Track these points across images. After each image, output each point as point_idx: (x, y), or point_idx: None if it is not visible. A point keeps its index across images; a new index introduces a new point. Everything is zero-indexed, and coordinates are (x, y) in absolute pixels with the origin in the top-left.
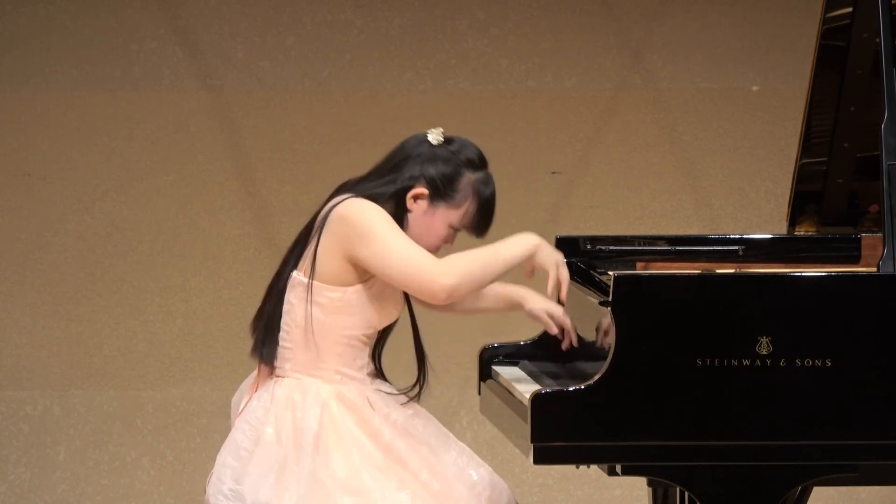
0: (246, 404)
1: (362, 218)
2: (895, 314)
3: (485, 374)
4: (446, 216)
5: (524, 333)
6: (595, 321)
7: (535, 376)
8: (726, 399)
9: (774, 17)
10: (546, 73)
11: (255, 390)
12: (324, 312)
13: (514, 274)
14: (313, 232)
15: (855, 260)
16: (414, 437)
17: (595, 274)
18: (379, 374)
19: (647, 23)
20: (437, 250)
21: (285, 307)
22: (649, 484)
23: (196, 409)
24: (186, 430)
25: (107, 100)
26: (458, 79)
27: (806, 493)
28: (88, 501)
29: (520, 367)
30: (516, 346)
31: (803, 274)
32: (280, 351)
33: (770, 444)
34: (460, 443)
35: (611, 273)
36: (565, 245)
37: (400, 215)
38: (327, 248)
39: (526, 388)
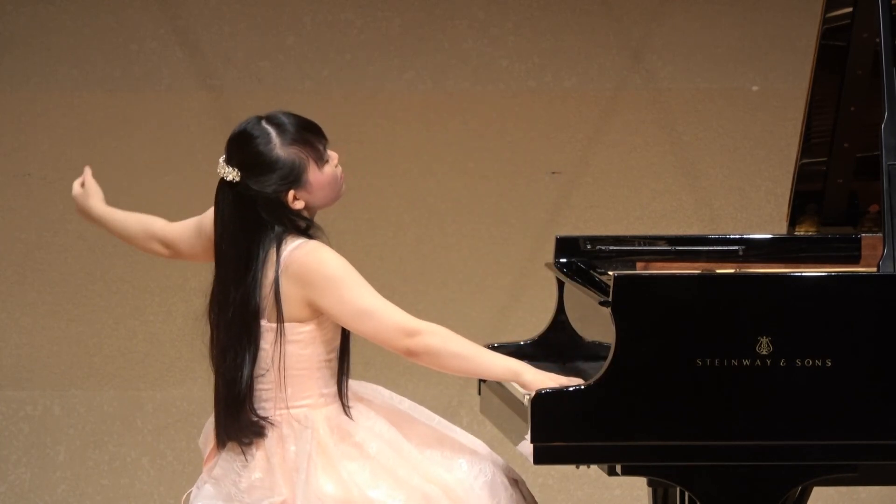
0: (218, 451)
1: (333, 274)
2: (895, 314)
3: None
4: (314, 172)
5: (524, 333)
6: (596, 321)
7: None
8: (726, 399)
9: (774, 17)
10: (546, 73)
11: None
12: (300, 347)
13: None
14: (260, 289)
15: (855, 260)
16: (402, 448)
17: (595, 274)
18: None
19: (646, 23)
20: (342, 177)
21: (265, 357)
22: (649, 484)
23: (196, 409)
24: (186, 430)
25: (107, 100)
26: (458, 79)
27: (806, 493)
28: (88, 501)
29: None
30: (516, 345)
31: (803, 274)
32: (258, 394)
33: (770, 444)
34: (449, 432)
35: (611, 273)
36: (565, 245)
37: (301, 221)
38: (290, 295)
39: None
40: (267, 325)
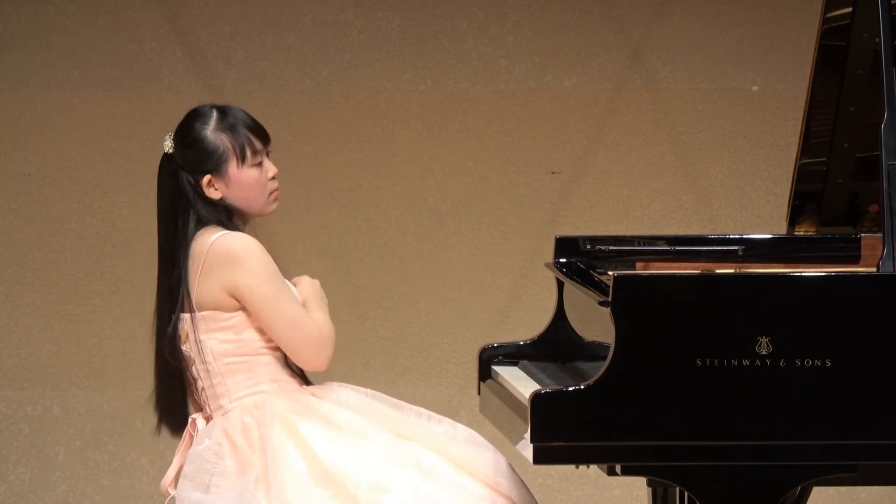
0: (189, 448)
1: (252, 269)
2: (895, 314)
3: (484, 373)
4: (234, 167)
5: (524, 333)
6: (595, 321)
7: (534, 376)
8: (726, 399)
9: (774, 16)
10: (546, 72)
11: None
12: (235, 332)
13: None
14: (178, 273)
15: (854, 260)
16: (371, 410)
17: (595, 274)
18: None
19: (646, 23)
20: (275, 192)
21: (194, 348)
22: (649, 484)
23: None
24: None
25: (107, 100)
26: (458, 79)
27: (805, 494)
28: (88, 501)
29: (519, 367)
30: (516, 345)
31: (803, 274)
32: (211, 391)
33: (770, 444)
34: (416, 407)
35: (611, 273)
36: (565, 245)
37: (221, 208)
38: (211, 285)
39: (525, 388)
40: (198, 317)
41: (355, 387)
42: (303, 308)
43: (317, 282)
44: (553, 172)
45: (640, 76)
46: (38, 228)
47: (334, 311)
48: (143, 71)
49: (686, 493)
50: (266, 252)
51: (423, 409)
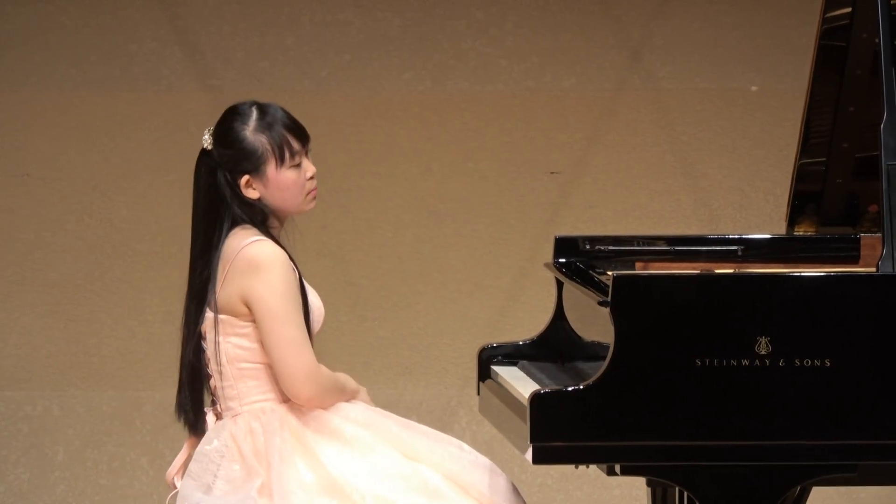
0: (193, 453)
1: (269, 282)
2: (894, 314)
3: (484, 374)
4: (272, 169)
5: (523, 333)
6: (595, 321)
7: (534, 376)
8: (725, 399)
9: (774, 17)
10: (545, 73)
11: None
12: (250, 339)
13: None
14: (209, 272)
15: (854, 260)
16: (378, 427)
17: (594, 274)
18: None
19: (646, 23)
20: (313, 191)
21: (211, 348)
22: (648, 484)
23: None
24: (185, 431)
25: (106, 100)
26: (458, 79)
27: (805, 494)
28: (87, 501)
29: (519, 367)
30: (515, 345)
31: (802, 274)
32: (222, 392)
33: (769, 444)
34: (424, 426)
35: (610, 273)
36: (564, 245)
37: (257, 210)
38: (231, 290)
39: (525, 388)
40: (217, 317)
41: (365, 404)
42: (307, 335)
43: (366, 403)
44: (552, 172)
45: (639, 76)
46: (36, 228)
47: (334, 312)
48: (143, 71)
49: (685, 493)
50: (289, 267)
51: (430, 429)
